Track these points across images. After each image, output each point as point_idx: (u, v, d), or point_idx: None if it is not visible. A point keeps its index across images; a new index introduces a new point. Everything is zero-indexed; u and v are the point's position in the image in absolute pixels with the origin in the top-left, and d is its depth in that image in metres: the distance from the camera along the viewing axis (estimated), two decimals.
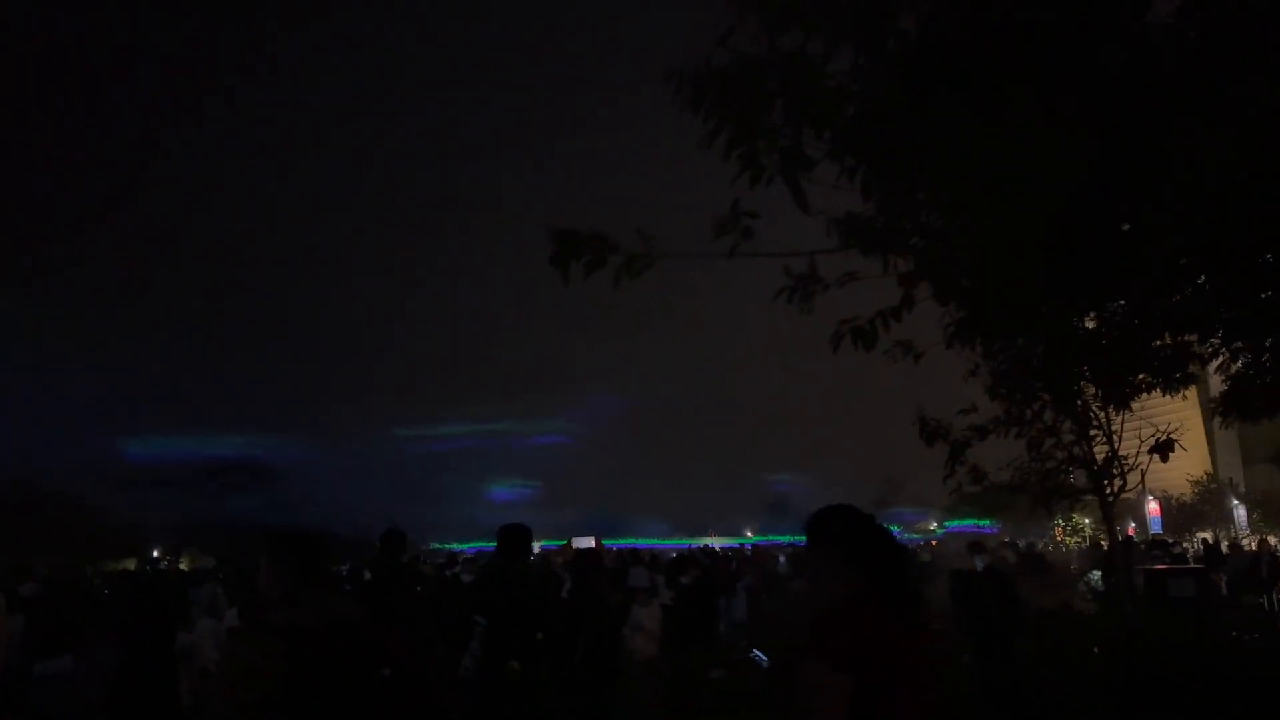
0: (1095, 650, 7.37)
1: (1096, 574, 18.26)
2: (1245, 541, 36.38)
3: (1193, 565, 14.59)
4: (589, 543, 36.97)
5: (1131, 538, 28.87)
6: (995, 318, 5.61)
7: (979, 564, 9.13)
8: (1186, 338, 6.70)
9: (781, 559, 20.59)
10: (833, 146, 3.55)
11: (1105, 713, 5.83)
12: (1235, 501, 47.67)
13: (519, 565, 5.25)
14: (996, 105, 3.10)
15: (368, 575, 9.69)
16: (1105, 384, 8.28)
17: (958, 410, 8.82)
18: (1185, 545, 27.18)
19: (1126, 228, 3.98)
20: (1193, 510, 48.60)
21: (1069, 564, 23.15)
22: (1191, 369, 7.42)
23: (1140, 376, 7.77)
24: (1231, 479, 51.22)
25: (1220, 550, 22.35)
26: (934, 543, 36.36)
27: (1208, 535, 38.00)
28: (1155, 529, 40.60)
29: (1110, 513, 9.12)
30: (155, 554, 48.08)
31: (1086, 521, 47.55)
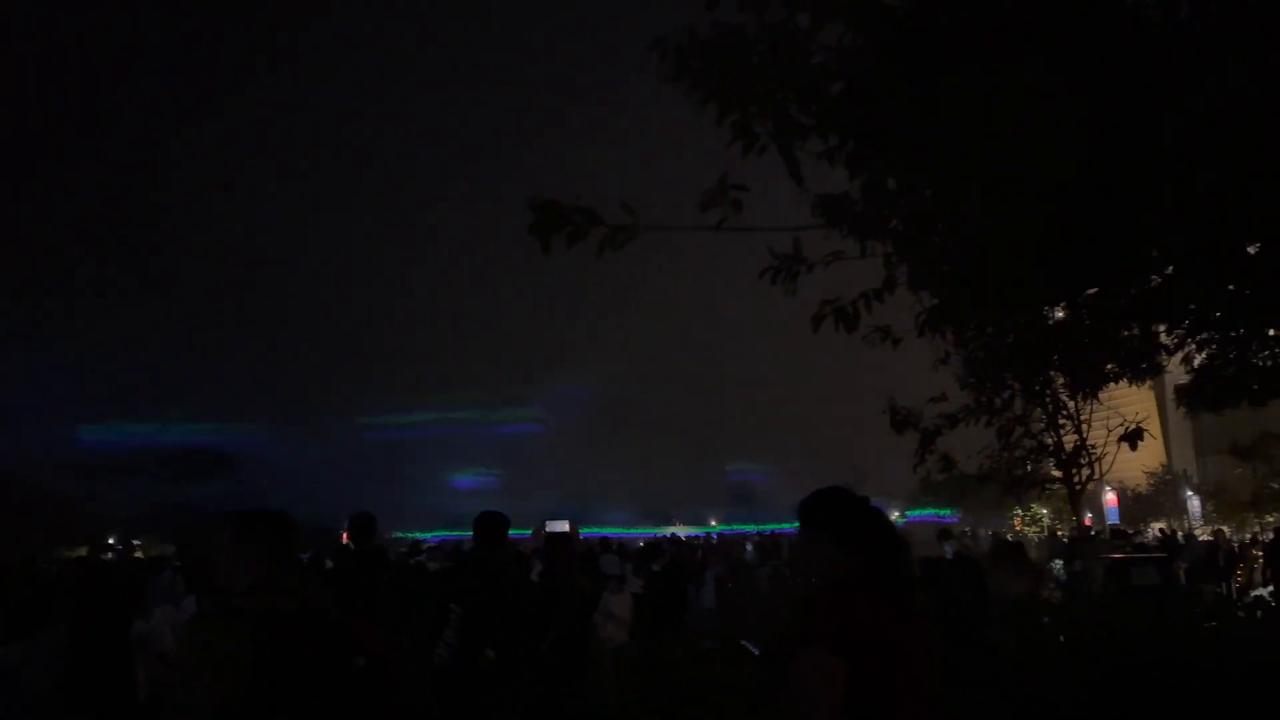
0: (1061, 639, 7.42)
1: (1058, 563, 18.56)
2: (1198, 531, 37.23)
3: (1154, 555, 14.83)
4: (563, 526, 36.46)
5: (1089, 528, 29.34)
6: (971, 305, 5.59)
7: (948, 551, 9.18)
8: (1154, 328, 6.75)
9: (749, 547, 20.67)
10: (819, 122, 3.46)
11: (1073, 701, 5.85)
12: (1189, 493, 48.63)
13: (497, 553, 5.17)
14: (987, 85, 3.04)
15: (329, 563, 9.51)
16: (1074, 373, 8.36)
17: (929, 399, 8.88)
18: (1145, 535, 27.64)
19: (1120, 220, 3.94)
20: (1148, 501, 49.53)
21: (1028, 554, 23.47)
22: (1159, 359, 7.49)
23: (1110, 366, 7.84)
24: (1186, 470, 52.29)
25: (1177, 540, 22.80)
26: None
27: (1163, 525, 38.76)
28: (1113, 519, 41.30)
29: (1079, 501, 9.22)
30: (110, 540, 47.20)
31: (1044, 512, 48.33)
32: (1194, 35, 3.34)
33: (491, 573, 5.11)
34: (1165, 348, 7.14)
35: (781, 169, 3.51)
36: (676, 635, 7.19)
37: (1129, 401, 11.15)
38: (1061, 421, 9.33)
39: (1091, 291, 6.05)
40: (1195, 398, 6.94)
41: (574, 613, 5.57)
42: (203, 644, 2.39)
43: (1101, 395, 8.76)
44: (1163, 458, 50.49)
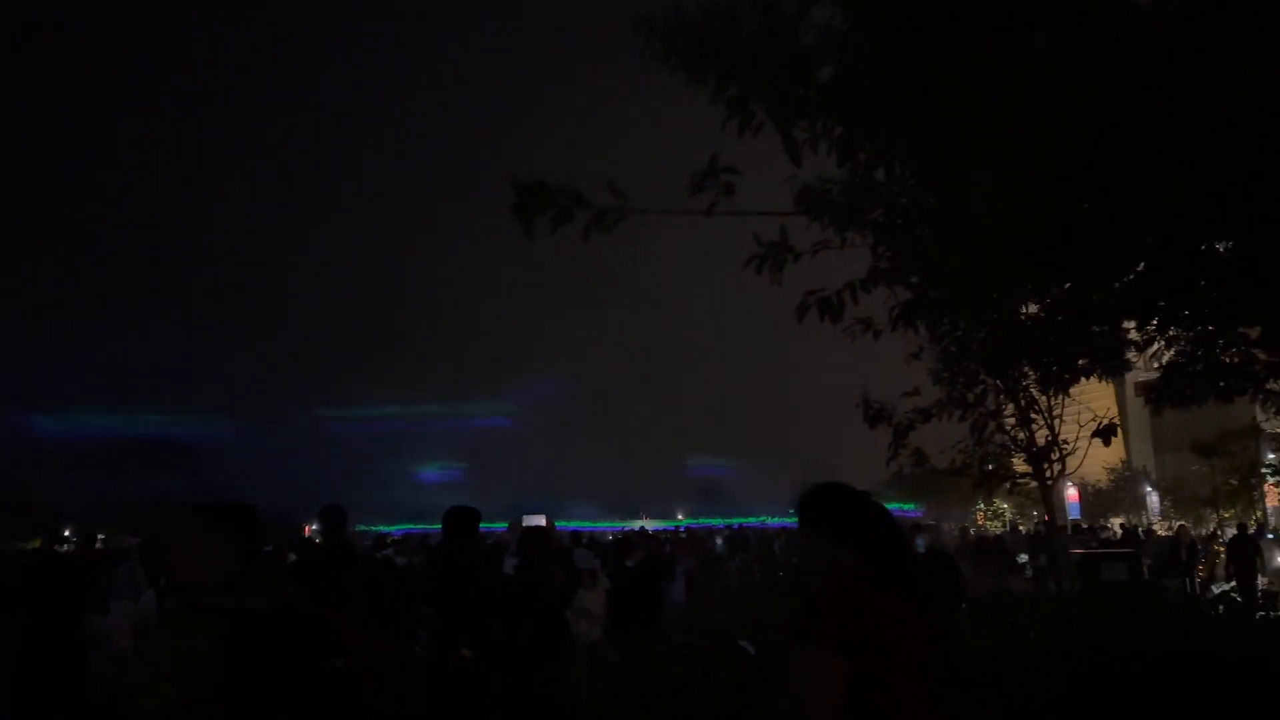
0: (1032, 635, 7.42)
1: (1023, 557, 18.80)
2: (1156, 527, 37.92)
3: (1124, 550, 15.07)
4: (540, 520, 36.26)
5: (1051, 522, 29.71)
6: (947, 299, 5.55)
7: (920, 545, 9.18)
8: (1124, 324, 6.77)
9: (719, 541, 20.67)
10: (807, 105, 3.36)
11: (1047, 697, 5.84)
12: (1149, 489, 49.45)
13: (467, 548, 5.08)
14: (985, 68, 2.96)
15: (293, 557, 9.32)
16: (1046, 368, 8.38)
17: (902, 393, 8.85)
18: (1112, 530, 28.12)
19: (1118, 213, 3.89)
20: (1108, 497, 50.33)
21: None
22: (1129, 356, 7.53)
23: (1081, 361, 7.86)
24: (1145, 467, 53.14)
25: (1138, 535, 23.21)
26: None
27: (1122, 520, 39.46)
28: (1074, 514, 41.89)
29: (1050, 496, 9.27)
30: (66, 533, 46.21)
31: (1006, 506, 48.97)
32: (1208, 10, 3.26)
33: (462, 569, 5.04)
34: (1135, 344, 7.16)
35: (767, 155, 3.43)
36: (651, 631, 7.11)
37: (1090, 398, 11.25)
38: (1033, 416, 9.37)
39: (1065, 287, 6.05)
40: (1163, 394, 6.97)
41: (552, 607, 5.48)
42: (170, 645, 2.23)
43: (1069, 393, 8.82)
44: (1123, 454, 51.27)
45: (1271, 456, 23.67)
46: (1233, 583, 14.87)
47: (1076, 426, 9.08)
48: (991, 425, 9.32)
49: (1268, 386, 7.84)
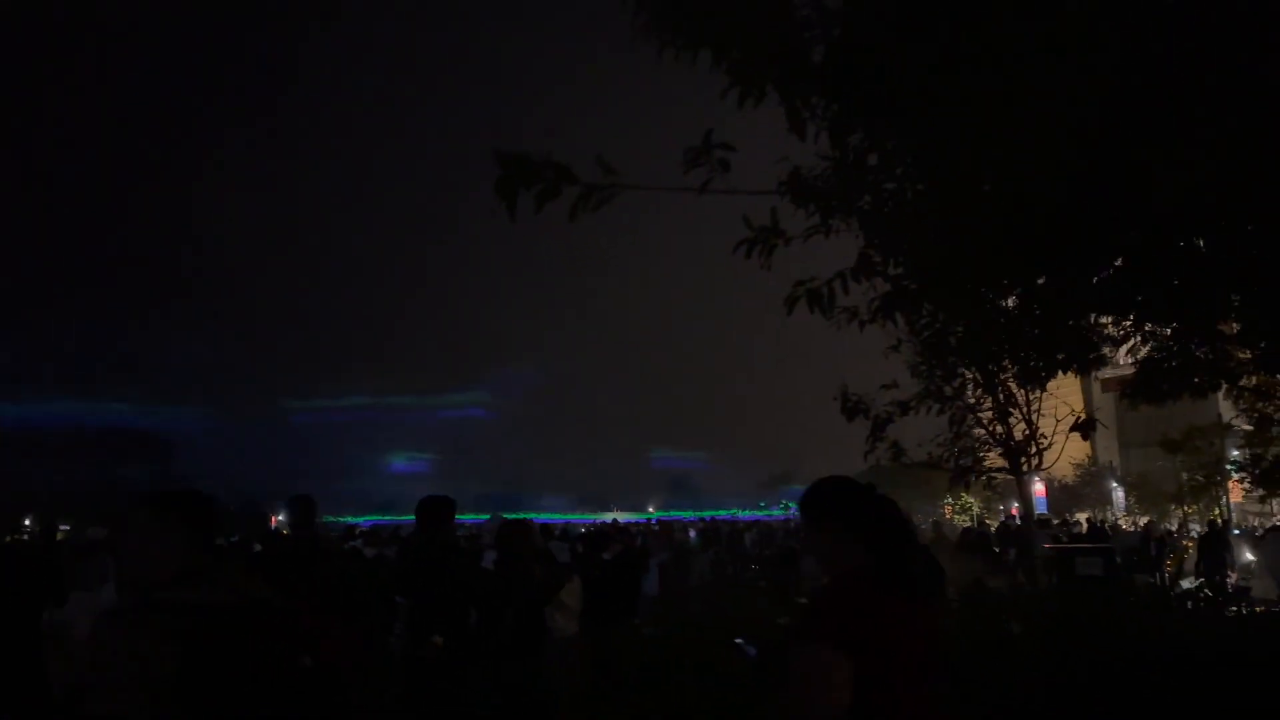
0: (1015, 629, 7.41)
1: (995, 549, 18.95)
2: (1121, 522, 38.45)
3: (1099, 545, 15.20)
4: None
5: (1015, 517, 30.11)
6: (928, 290, 5.49)
7: None
8: (1100, 320, 6.77)
9: (692, 534, 20.66)
10: (802, 82, 3.25)
11: (1027, 692, 5.82)
12: (1114, 484, 50.14)
13: (439, 537, 5.00)
14: (990, 49, 2.87)
15: (257, 547, 9.13)
16: (1023, 362, 8.38)
17: (880, 385, 8.83)
18: (1081, 525, 28.47)
19: (1116, 208, 3.82)
20: (1074, 492, 50.97)
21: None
22: (1105, 351, 7.55)
23: (1059, 356, 7.87)
24: (1111, 462, 53.87)
25: (1105, 530, 23.46)
26: None
27: (1088, 515, 39.96)
28: (1041, 509, 42.38)
29: (1028, 490, 9.29)
30: (26, 522, 45.34)
31: (973, 501, 49.46)
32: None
33: (435, 558, 4.98)
34: (1112, 339, 7.17)
35: (760, 135, 3.32)
36: (629, 625, 7.01)
37: (1059, 394, 11.32)
38: (1011, 410, 9.40)
39: (1041, 281, 6.02)
40: (1139, 390, 6.98)
41: (533, 602, 5.42)
42: (120, 645, 2.07)
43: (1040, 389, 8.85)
44: (1089, 449, 51.96)
45: (1235, 453, 24.02)
46: (1201, 579, 15.05)
47: (1054, 421, 9.12)
48: (970, 419, 9.33)
49: (1241, 383, 7.91)
